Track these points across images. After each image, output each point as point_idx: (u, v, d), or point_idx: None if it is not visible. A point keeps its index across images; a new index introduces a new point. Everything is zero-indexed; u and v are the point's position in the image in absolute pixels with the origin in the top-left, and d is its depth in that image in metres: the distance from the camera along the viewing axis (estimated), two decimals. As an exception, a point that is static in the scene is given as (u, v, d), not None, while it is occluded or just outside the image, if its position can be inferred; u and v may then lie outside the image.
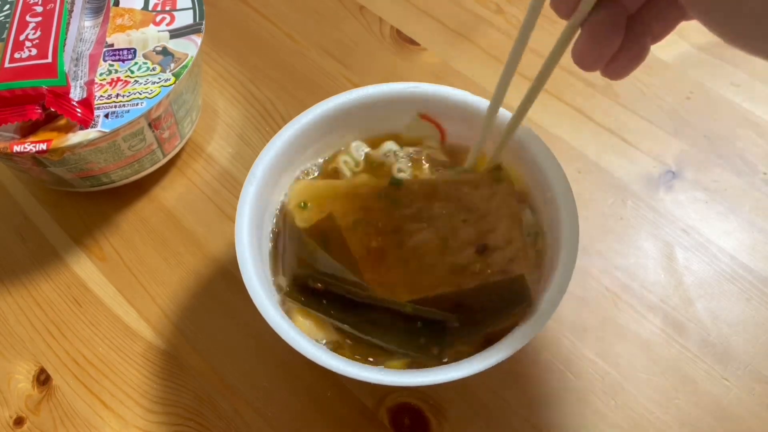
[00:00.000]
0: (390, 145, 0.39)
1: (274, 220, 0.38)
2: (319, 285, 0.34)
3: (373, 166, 0.39)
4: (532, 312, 0.32)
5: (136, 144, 0.41)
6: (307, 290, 0.35)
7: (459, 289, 0.33)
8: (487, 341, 0.32)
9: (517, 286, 0.33)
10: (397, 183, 0.36)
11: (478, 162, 0.37)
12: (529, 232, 0.36)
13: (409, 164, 0.39)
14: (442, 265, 0.34)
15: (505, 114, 0.35)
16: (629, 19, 0.26)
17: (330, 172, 0.39)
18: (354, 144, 0.40)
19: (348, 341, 0.34)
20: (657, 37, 0.27)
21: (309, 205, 0.36)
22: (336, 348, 0.34)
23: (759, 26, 0.19)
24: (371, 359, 0.34)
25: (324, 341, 0.34)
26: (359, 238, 0.35)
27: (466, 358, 0.31)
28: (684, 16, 0.26)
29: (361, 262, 0.34)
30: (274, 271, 0.36)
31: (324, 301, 0.34)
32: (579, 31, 0.26)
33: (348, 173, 0.39)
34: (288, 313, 0.34)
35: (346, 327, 0.34)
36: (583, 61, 0.26)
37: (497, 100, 0.34)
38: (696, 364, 0.38)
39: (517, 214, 0.35)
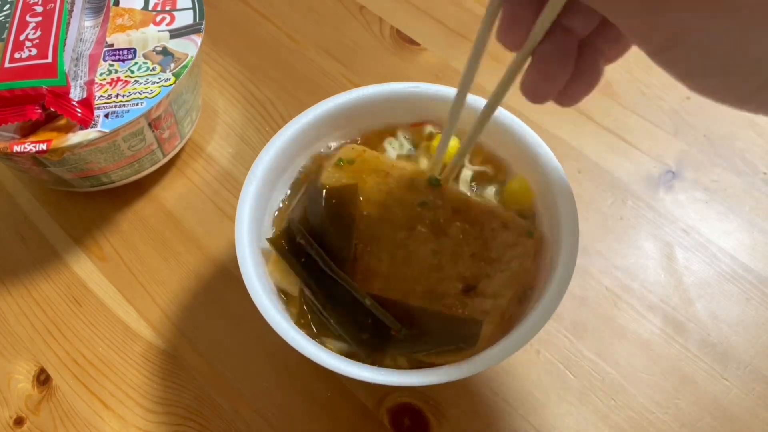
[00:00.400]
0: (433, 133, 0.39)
1: (300, 170, 0.39)
2: (302, 242, 0.34)
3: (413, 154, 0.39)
4: (532, 312, 0.32)
5: (136, 144, 0.41)
6: (292, 243, 0.35)
7: (423, 307, 0.33)
8: (418, 363, 0.33)
9: (473, 330, 0.32)
10: (435, 183, 0.36)
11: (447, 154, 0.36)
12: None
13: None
14: (425, 281, 0.34)
15: (477, 103, 0.35)
16: (580, 44, 0.24)
17: (373, 145, 0.39)
18: (399, 132, 0.40)
19: (304, 307, 0.34)
20: (610, 60, 0.25)
21: (345, 166, 0.36)
22: (287, 303, 0.35)
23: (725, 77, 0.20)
24: (314, 329, 0.34)
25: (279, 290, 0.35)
26: (367, 224, 0.35)
27: (399, 369, 0.31)
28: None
29: (357, 247, 0.34)
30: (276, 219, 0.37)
31: (302, 260, 0.34)
32: (527, 62, 0.25)
33: (392, 153, 0.39)
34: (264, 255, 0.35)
35: (307, 291, 0.34)
36: (535, 95, 0.25)
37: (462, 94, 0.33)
38: (696, 364, 0.38)
39: (521, 275, 0.34)
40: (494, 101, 0.30)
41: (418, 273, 0.34)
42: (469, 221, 0.35)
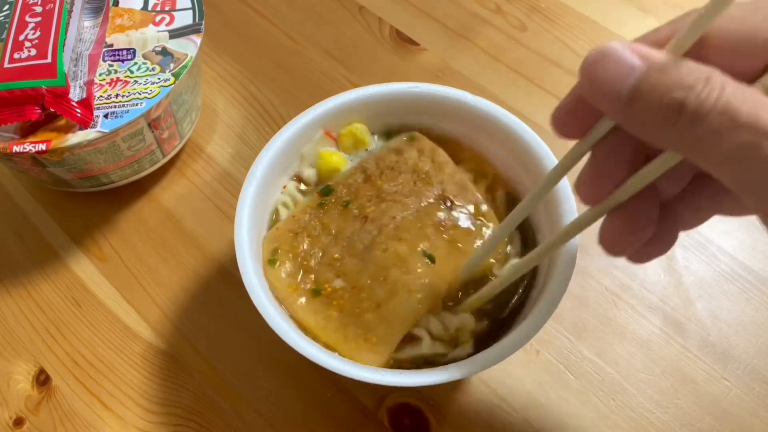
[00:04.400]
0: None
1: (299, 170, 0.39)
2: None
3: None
4: (532, 312, 0.32)
5: (136, 144, 0.41)
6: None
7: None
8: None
9: None
10: (326, 191, 0.37)
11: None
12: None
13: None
14: (427, 227, 0.35)
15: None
16: (662, 207, 0.24)
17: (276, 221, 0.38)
18: (289, 185, 0.39)
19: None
20: (687, 227, 0.25)
21: (276, 257, 0.36)
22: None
23: None
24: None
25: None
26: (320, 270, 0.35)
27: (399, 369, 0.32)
28: (721, 210, 0.25)
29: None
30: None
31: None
32: (604, 216, 0.25)
33: (287, 212, 0.38)
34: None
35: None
36: (614, 248, 0.24)
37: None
38: (696, 364, 0.38)
39: (449, 161, 0.38)
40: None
41: (415, 227, 0.35)
42: (382, 176, 0.37)
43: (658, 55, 0.19)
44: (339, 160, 0.38)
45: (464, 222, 0.36)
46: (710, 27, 0.19)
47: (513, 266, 0.31)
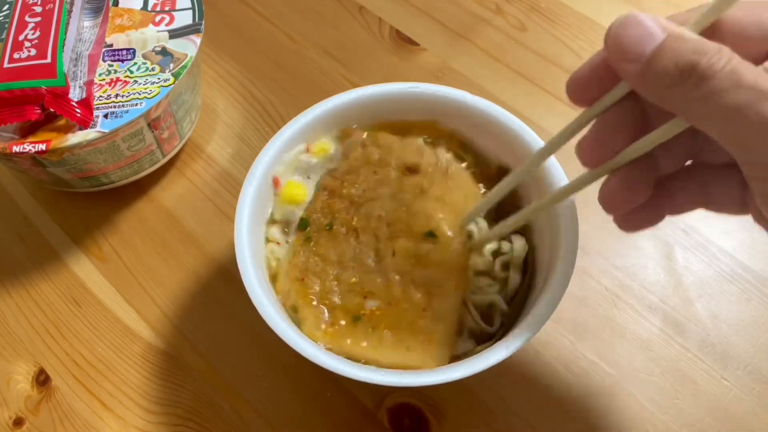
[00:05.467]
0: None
1: None
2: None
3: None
4: (532, 312, 0.32)
5: (136, 144, 0.41)
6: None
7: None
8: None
9: None
10: (303, 225, 0.37)
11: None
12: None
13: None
14: (412, 204, 0.36)
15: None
16: (656, 183, 0.26)
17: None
18: (272, 230, 0.37)
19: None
20: (673, 211, 0.27)
21: (299, 314, 0.35)
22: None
23: None
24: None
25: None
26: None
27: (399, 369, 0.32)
28: (708, 201, 0.27)
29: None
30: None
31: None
32: (605, 177, 0.26)
33: (275, 262, 0.37)
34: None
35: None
36: (610, 203, 0.26)
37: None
38: (696, 364, 0.38)
39: (395, 138, 0.38)
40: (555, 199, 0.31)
41: (414, 212, 0.36)
42: (347, 181, 0.37)
43: (677, 28, 0.22)
44: (302, 194, 0.38)
45: (438, 177, 0.36)
46: (724, 13, 0.22)
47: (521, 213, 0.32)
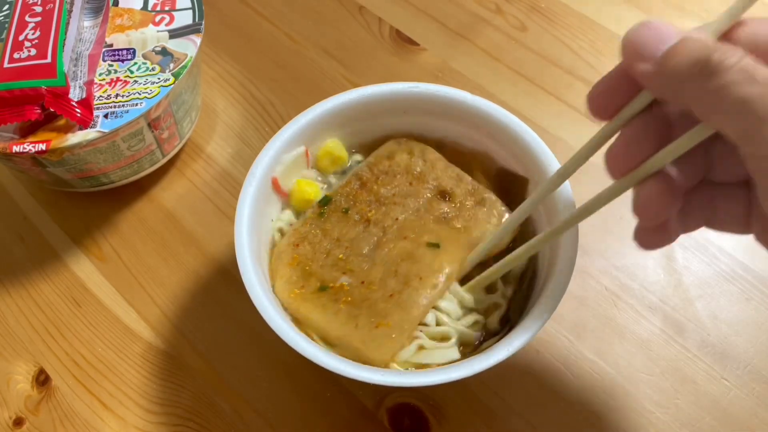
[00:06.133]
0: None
1: None
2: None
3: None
4: (532, 312, 0.32)
5: (136, 144, 0.41)
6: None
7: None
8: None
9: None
10: (325, 201, 0.37)
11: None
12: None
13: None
14: (429, 223, 0.36)
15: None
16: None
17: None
18: (283, 215, 0.39)
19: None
20: (687, 230, 0.27)
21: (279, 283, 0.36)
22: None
23: None
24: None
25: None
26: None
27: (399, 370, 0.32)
28: (712, 223, 0.27)
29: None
30: None
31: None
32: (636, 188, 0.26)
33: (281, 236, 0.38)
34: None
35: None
36: (647, 211, 0.26)
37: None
38: (696, 364, 0.38)
39: (441, 157, 0.38)
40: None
41: (418, 226, 0.36)
42: (378, 181, 0.38)
43: (693, 33, 0.22)
44: (314, 191, 0.38)
45: (466, 210, 0.37)
46: (740, 27, 0.22)
47: (527, 244, 0.31)
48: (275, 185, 0.37)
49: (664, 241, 0.27)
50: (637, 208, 0.26)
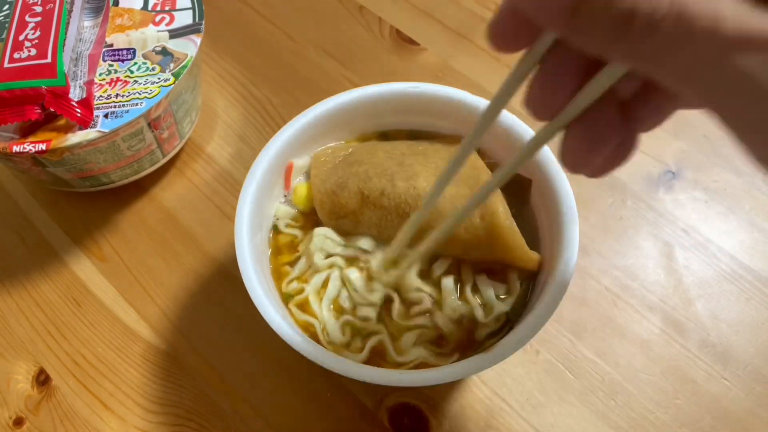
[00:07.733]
0: None
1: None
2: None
3: None
4: (532, 312, 0.32)
5: (136, 144, 0.41)
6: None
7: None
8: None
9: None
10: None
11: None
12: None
13: None
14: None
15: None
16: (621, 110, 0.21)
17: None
18: (282, 212, 0.38)
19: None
20: (646, 129, 0.22)
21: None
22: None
23: None
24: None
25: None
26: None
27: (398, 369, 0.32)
28: (683, 104, 0.22)
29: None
30: None
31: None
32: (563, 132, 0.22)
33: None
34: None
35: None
36: (578, 164, 0.22)
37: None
38: (696, 364, 0.38)
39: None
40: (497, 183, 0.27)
41: None
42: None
43: None
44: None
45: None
46: None
47: (469, 200, 0.29)
48: (288, 172, 0.38)
49: (619, 162, 0.22)
50: (565, 162, 0.22)
